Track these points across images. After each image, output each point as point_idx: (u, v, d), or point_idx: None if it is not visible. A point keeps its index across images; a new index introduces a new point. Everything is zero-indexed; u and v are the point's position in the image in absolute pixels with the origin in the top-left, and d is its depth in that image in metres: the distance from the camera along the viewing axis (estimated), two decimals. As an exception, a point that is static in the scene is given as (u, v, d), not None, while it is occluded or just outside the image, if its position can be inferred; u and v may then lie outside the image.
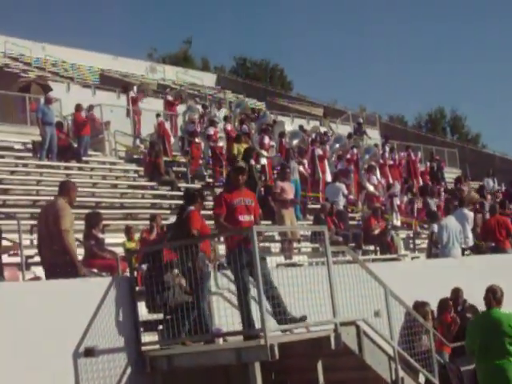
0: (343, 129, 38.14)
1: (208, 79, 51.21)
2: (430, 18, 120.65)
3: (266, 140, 25.42)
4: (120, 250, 14.74)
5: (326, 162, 27.08)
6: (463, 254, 20.02)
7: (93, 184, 22.32)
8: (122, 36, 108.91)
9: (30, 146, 23.82)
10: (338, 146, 29.93)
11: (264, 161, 24.77)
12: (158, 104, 31.45)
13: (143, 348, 10.63)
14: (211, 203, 15.34)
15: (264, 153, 24.96)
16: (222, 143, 26.22)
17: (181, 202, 22.14)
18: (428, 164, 33.67)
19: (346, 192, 24.39)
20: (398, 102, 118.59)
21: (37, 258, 14.38)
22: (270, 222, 19.75)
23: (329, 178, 26.14)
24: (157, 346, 10.96)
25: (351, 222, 23.97)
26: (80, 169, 23.60)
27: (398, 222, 25.67)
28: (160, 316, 11.06)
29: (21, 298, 9.66)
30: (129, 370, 10.38)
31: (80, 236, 13.18)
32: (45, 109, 23.35)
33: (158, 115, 27.18)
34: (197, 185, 24.01)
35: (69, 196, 11.12)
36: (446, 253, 18.76)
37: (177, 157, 26.41)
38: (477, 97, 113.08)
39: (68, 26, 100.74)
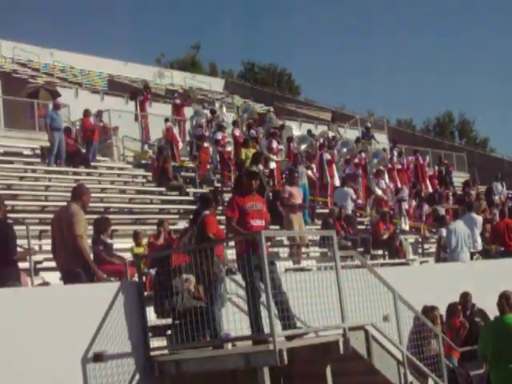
0: (351, 133, 38.13)
1: (216, 84, 51.30)
2: (438, 23, 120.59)
3: (274, 144, 25.43)
4: (128, 255, 14.75)
5: (334, 166, 27.08)
6: (472, 259, 19.99)
7: (101, 189, 22.33)
8: (130, 41, 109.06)
9: (38, 151, 23.87)
10: (345, 150, 29.95)
11: (273, 165, 24.77)
12: (166, 109, 31.50)
13: (152, 353, 10.64)
14: (220, 208, 15.35)
15: (273, 157, 24.97)
16: (230, 148, 26.23)
17: (189, 206, 22.43)
18: (436, 168, 33.62)
19: (354, 196, 24.37)
20: (406, 106, 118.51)
21: (46, 264, 14.48)
22: (278, 227, 19.74)
23: (337, 182, 26.14)
24: (165, 351, 10.96)
25: (359, 227, 23.96)
26: (88, 174, 23.62)
27: (406, 227, 25.64)
28: (168, 321, 11.07)
29: (30, 303, 9.68)
30: (137, 375, 10.39)
31: (89, 241, 13.19)
32: (53, 114, 23.39)
33: (166, 120, 27.20)
34: (205, 190, 24.03)
35: (82, 201, 11.12)
36: (455, 257, 18.74)
37: (185, 162, 26.44)
38: (485, 101, 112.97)
39: (76, 31, 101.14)
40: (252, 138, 26.51)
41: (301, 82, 79.64)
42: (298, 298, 10.54)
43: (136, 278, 11.50)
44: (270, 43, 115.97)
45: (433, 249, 23.90)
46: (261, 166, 21.92)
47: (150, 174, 24.61)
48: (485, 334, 10.78)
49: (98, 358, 9.92)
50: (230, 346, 10.86)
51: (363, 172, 27.84)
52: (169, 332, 11.12)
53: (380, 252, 21.72)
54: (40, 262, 14.63)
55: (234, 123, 28.71)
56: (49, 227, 17.13)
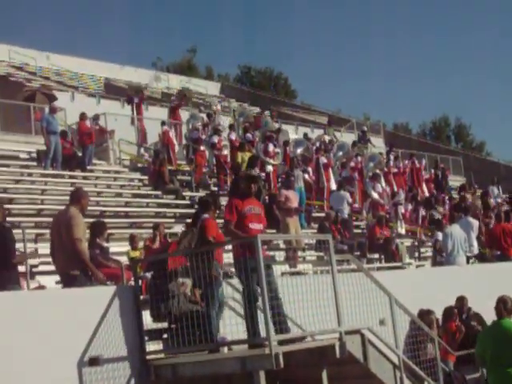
0: (348, 137, 38.11)
1: (212, 88, 51.25)
2: (434, 27, 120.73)
3: (271, 148, 25.44)
4: (124, 259, 14.74)
5: (330, 170, 27.09)
6: (468, 262, 20.00)
7: (97, 193, 22.32)
8: (126, 45, 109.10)
9: (34, 155, 23.87)
10: (341, 153, 29.96)
11: (270, 168, 24.79)
12: (163, 112, 31.49)
13: (148, 357, 10.63)
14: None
15: (270, 161, 24.97)
16: (226, 151, 26.24)
17: (185, 210, 22.43)
18: (432, 171, 33.65)
19: (350, 200, 24.38)
20: (403, 110, 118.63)
21: (41, 268, 14.47)
22: (274, 231, 19.75)
23: (333, 186, 26.16)
24: (161, 355, 10.95)
25: (356, 231, 23.98)
26: (84, 178, 23.61)
27: (402, 231, 25.65)
28: (164, 325, 11.06)
29: (25, 307, 9.67)
30: (133, 379, 10.38)
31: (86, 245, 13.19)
32: (49, 118, 23.41)
33: (162, 123, 27.20)
34: (201, 193, 24.03)
35: (80, 204, 11.15)
36: (451, 261, 18.74)
37: (181, 165, 26.43)
38: (481, 105, 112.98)
39: (72, 35, 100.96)
40: (248, 141, 26.51)
41: (297, 85, 79.85)
42: (294, 301, 10.54)
43: (132, 282, 11.49)
44: (267, 47, 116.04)
45: (429, 253, 23.92)
46: (257, 170, 21.92)
47: (146, 177, 24.62)
48: (482, 338, 10.79)
49: (94, 361, 9.91)
50: (226, 349, 10.84)
51: (359, 176, 27.87)
52: (165, 336, 11.10)
53: (376, 256, 21.72)
54: (36, 266, 14.62)
55: (231, 127, 28.71)
56: (45, 231, 17.27)
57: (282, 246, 19.98)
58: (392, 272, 18.62)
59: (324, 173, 26.50)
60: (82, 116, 25.10)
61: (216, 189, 25.05)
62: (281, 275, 13.84)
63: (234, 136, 27.29)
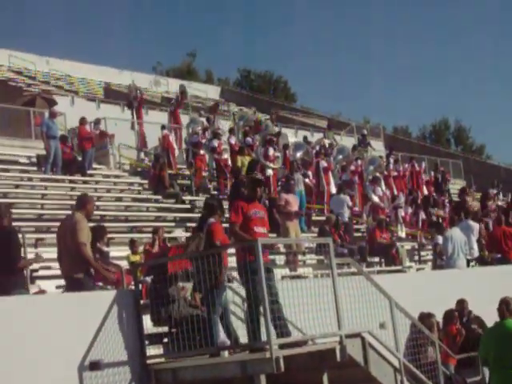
0: (347, 141, 38.14)
1: (212, 92, 51.33)
2: (435, 30, 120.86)
3: (271, 151, 25.41)
4: (125, 263, 14.74)
5: (330, 173, 27.10)
6: (468, 266, 19.99)
7: (97, 197, 22.24)
8: (125, 49, 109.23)
9: (34, 159, 23.89)
10: (341, 157, 29.96)
11: (270, 172, 24.78)
12: (163, 117, 31.49)
13: (148, 361, 10.62)
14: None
15: (270, 164, 24.96)
16: (226, 155, 26.23)
17: (185, 214, 22.43)
18: (432, 173, 33.66)
19: (350, 204, 24.36)
20: (403, 114, 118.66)
21: (42, 272, 14.48)
22: (275, 235, 19.74)
23: (333, 189, 26.15)
24: (162, 359, 10.95)
25: (356, 234, 23.96)
26: (85, 182, 23.62)
27: (402, 234, 25.64)
28: (165, 329, 11.06)
29: (26, 311, 9.67)
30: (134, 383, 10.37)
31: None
32: (49, 123, 23.41)
33: (162, 127, 27.19)
34: (201, 197, 24.04)
35: (86, 209, 11.23)
36: (451, 264, 18.73)
37: (181, 170, 26.43)
38: (481, 108, 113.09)
39: (71, 39, 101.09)
40: (247, 145, 26.51)
41: (297, 89, 79.92)
42: (295, 305, 10.54)
43: (132, 286, 11.49)
44: (266, 51, 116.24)
45: (429, 256, 23.90)
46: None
47: (146, 181, 24.62)
48: (485, 339, 10.83)
49: (95, 366, 9.90)
50: (226, 353, 10.84)
51: (359, 179, 27.86)
52: (165, 340, 11.10)
53: (376, 259, 21.72)
54: (36, 271, 14.62)
55: (230, 131, 28.71)
56: (45, 235, 17.32)
57: (282, 249, 19.97)
58: (392, 275, 18.62)
59: (324, 176, 26.51)
60: (82, 120, 25.08)
61: (216, 193, 25.05)
62: (281, 279, 13.83)
63: (233, 140, 27.29)
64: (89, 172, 24.34)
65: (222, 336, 10.91)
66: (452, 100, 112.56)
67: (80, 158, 24.42)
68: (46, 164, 22.95)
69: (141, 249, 16.45)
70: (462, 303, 15.59)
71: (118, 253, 16.37)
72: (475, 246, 20.88)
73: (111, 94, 38.76)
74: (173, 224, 21.48)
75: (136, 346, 10.49)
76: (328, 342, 10.49)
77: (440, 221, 26.32)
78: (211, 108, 33.39)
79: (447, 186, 33.62)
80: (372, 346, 11.01)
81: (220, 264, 10.64)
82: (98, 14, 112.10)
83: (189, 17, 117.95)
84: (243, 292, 10.92)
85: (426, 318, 13.43)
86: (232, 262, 11.16)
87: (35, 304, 10.05)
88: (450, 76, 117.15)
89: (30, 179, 22.67)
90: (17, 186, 21.56)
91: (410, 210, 27.32)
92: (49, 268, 14.43)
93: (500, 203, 30.67)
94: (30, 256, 14.04)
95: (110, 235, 16.10)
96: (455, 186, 36.73)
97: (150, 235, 17.58)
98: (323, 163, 26.93)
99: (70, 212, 13.11)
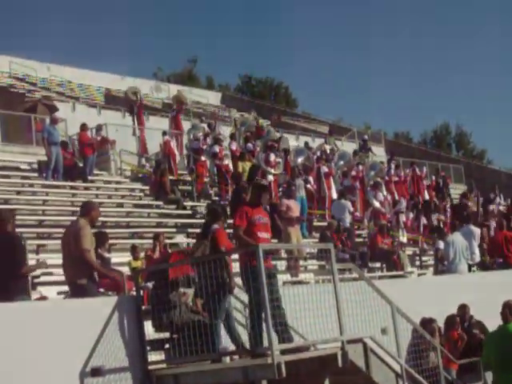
0: (349, 146, 38.16)
1: (213, 97, 51.34)
2: (435, 34, 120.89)
3: (272, 157, 25.40)
4: (126, 269, 14.74)
5: (331, 179, 27.10)
6: (470, 271, 19.99)
7: (99, 203, 22.24)
8: (126, 56, 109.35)
9: (35, 166, 23.89)
10: (342, 162, 29.96)
11: (270, 178, 24.77)
12: (164, 122, 31.52)
13: (150, 367, 10.62)
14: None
15: (271, 170, 24.96)
16: (227, 161, 26.24)
17: (186, 220, 22.43)
18: (433, 178, 33.66)
19: (351, 209, 24.37)
20: (404, 119, 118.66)
21: (43, 278, 14.46)
22: (276, 240, 19.73)
23: (334, 195, 26.14)
24: (163, 365, 10.94)
25: (357, 240, 23.96)
26: (86, 188, 23.62)
27: (404, 239, 25.63)
28: (166, 335, 11.05)
29: (28, 317, 9.66)
30: (135, 389, 10.37)
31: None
32: (50, 129, 23.42)
33: (164, 133, 27.20)
34: (202, 203, 24.05)
35: (90, 216, 11.24)
36: (453, 269, 18.74)
37: (182, 175, 26.44)
38: (482, 113, 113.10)
39: (72, 46, 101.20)
40: (248, 151, 26.51)
41: (298, 94, 79.86)
42: (296, 311, 10.54)
43: (134, 292, 11.49)
44: (267, 56, 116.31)
45: (431, 261, 23.89)
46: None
47: (147, 187, 24.62)
48: (489, 342, 10.83)
49: (96, 372, 9.90)
50: (228, 359, 10.83)
51: (361, 184, 27.86)
52: (167, 346, 11.10)
53: (378, 265, 21.71)
54: (38, 277, 14.60)
55: (231, 136, 28.72)
56: (46, 242, 17.31)
57: (283, 255, 19.97)
58: (394, 281, 18.62)
59: (325, 182, 26.50)
60: (83, 127, 25.10)
61: (217, 198, 25.05)
62: (282, 284, 13.82)
63: (234, 146, 27.30)
64: (90, 178, 24.35)
65: (224, 342, 10.90)
66: (453, 105, 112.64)
67: (81, 164, 24.43)
68: (47, 170, 22.95)
69: (142, 255, 16.45)
70: (463, 308, 15.58)
71: (120, 259, 16.36)
72: (477, 251, 20.88)
73: (112, 100, 38.78)
74: (174, 230, 21.48)
75: (137, 352, 10.49)
76: (329, 347, 10.47)
77: (441, 226, 26.31)
78: (211, 115, 33.38)
79: (448, 191, 33.62)
80: (374, 352, 11.00)
81: (228, 269, 10.66)
82: (98, 21, 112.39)
83: (190, 23, 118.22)
84: (244, 297, 10.92)
85: (427, 323, 13.42)
86: (236, 267, 11.16)
87: (37, 310, 10.05)
88: (451, 81, 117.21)
89: (31, 185, 22.68)
90: (18, 193, 21.57)
91: (411, 215, 27.30)
92: (50, 274, 14.42)
93: (501, 208, 30.69)
94: (31, 262, 14.03)
95: (111, 241, 16.08)
96: (456, 190, 36.72)
97: (151, 241, 17.58)
98: (324, 169, 26.93)
99: (71, 218, 13.10)
